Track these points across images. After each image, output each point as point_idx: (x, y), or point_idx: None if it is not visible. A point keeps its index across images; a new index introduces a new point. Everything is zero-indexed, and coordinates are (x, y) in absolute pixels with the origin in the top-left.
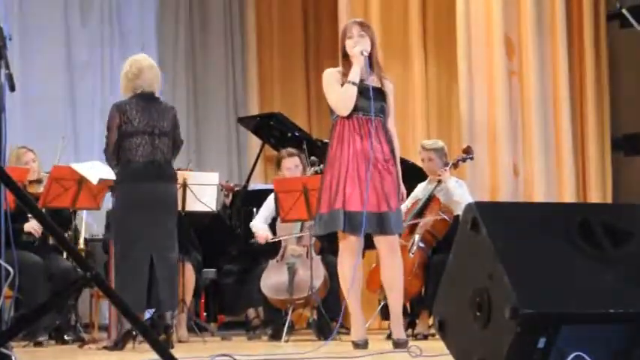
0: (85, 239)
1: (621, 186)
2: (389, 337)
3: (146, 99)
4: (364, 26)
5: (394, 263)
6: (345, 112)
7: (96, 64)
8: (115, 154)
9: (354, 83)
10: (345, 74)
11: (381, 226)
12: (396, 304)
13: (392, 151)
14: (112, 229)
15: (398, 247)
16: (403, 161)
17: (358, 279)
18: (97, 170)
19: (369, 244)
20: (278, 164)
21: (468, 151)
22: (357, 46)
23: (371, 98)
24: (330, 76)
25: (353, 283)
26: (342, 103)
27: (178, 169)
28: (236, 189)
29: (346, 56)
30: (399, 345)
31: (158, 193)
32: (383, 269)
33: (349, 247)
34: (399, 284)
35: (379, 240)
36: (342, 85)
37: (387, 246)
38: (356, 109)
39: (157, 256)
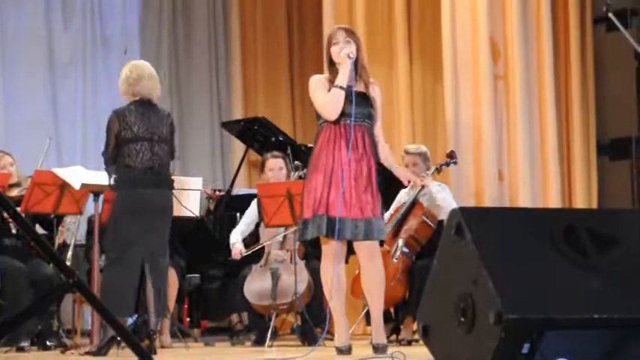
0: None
1: (606, 191)
2: None
3: (145, 105)
4: (350, 32)
5: (374, 269)
6: (333, 117)
7: (78, 67)
8: (112, 159)
9: (341, 87)
10: (331, 80)
11: (362, 233)
12: (376, 309)
13: (376, 155)
14: (108, 232)
15: (378, 253)
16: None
17: (342, 284)
18: (80, 175)
19: (352, 250)
20: (262, 167)
21: (451, 155)
22: (342, 51)
23: (354, 104)
24: (317, 81)
25: (336, 287)
26: (330, 107)
27: None
28: (220, 194)
29: (332, 63)
30: (378, 350)
31: (156, 199)
32: (363, 275)
33: (332, 252)
34: (379, 290)
35: (358, 246)
36: (329, 90)
37: (367, 252)
38: (343, 114)
39: (150, 262)
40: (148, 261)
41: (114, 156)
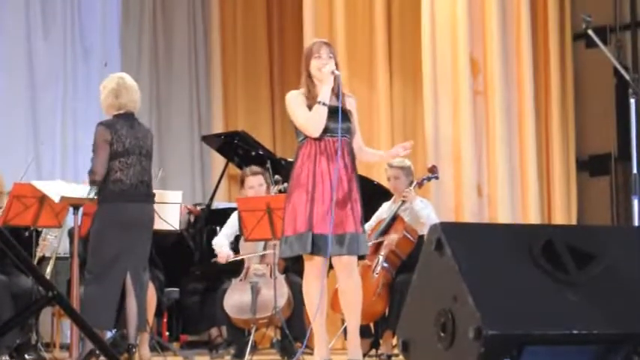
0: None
1: (586, 207)
2: None
3: (130, 119)
4: (331, 47)
5: (352, 284)
6: (316, 134)
7: (58, 80)
8: (104, 173)
9: (324, 104)
10: (309, 96)
11: (345, 248)
12: (354, 324)
13: (356, 169)
14: (91, 247)
15: (355, 268)
16: (367, 181)
17: (324, 299)
18: (59, 188)
19: (331, 264)
20: (242, 183)
21: (433, 170)
22: (326, 67)
23: (340, 120)
24: (295, 98)
25: (319, 305)
26: (313, 124)
27: None
28: (201, 209)
29: (309, 76)
30: None
31: (143, 213)
32: (340, 290)
33: (315, 269)
34: (357, 305)
35: (338, 260)
36: (307, 106)
37: (345, 267)
38: (325, 130)
39: (133, 276)
40: (131, 275)
41: (105, 166)
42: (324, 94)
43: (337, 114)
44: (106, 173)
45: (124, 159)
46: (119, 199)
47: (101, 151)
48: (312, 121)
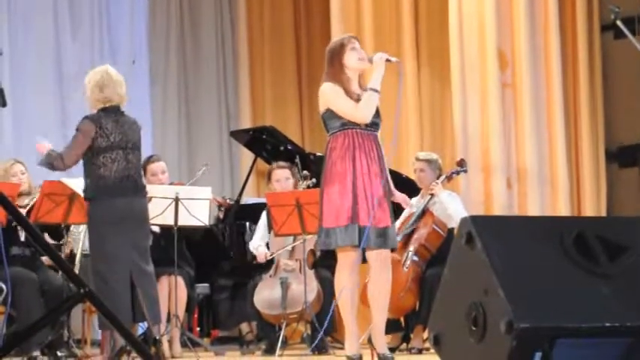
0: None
1: (616, 198)
2: None
3: (116, 112)
4: (359, 41)
5: (384, 279)
6: (367, 120)
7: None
8: (74, 161)
9: (376, 90)
10: (343, 87)
11: (381, 241)
12: (382, 319)
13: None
14: (92, 245)
15: (390, 262)
16: (397, 175)
17: (355, 293)
18: None
19: (363, 258)
20: (268, 178)
21: (461, 164)
22: (378, 54)
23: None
24: (333, 88)
25: (354, 300)
26: (366, 110)
27: (171, 183)
28: (231, 203)
29: (341, 68)
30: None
31: (133, 208)
32: (374, 285)
33: (349, 262)
34: (385, 300)
35: (373, 254)
36: (347, 94)
37: (381, 261)
38: (356, 123)
39: (137, 272)
40: (135, 272)
41: (77, 160)
42: (376, 80)
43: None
44: (89, 170)
45: (108, 154)
46: (104, 196)
47: (78, 141)
48: (363, 107)
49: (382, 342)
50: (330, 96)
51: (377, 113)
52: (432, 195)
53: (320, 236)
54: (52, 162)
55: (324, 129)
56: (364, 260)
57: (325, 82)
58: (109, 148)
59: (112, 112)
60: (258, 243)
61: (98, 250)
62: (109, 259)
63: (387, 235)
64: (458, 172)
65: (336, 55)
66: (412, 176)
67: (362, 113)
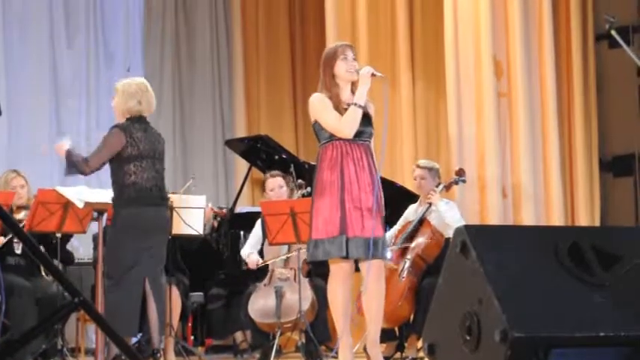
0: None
1: (610, 208)
2: None
3: (144, 122)
4: (354, 50)
5: (378, 289)
6: (351, 135)
7: (82, 87)
8: (97, 168)
9: (360, 106)
10: (332, 96)
11: (373, 251)
12: (376, 329)
13: (378, 173)
14: (109, 250)
15: (383, 271)
16: (390, 184)
17: (348, 303)
18: (83, 194)
19: (356, 268)
20: (263, 188)
21: (460, 173)
22: (365, 68)
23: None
24: (321, 100)
25: (347, 310)
26: (349, 125)
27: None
28: (225, 211)
29: (333, 77)
30: None
31: (159, 217)
32: (367, 295)
33: (342, 272)
34: (380, 309)
35: (366, 265)
36: (335, 107)
37: (374, 271)
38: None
39: (152, 281)
40: (149, 279)
41: (101, 166)
42: (361, 95)
43: (363, 118)
44: (118, 177)
45: (139, 162)
46: (135, 204)
47: (106, 149)
48: (346, 122)
49: (377, 351)
50: (317, 108)
51: (368, 122)
52: (430, 204)
53: (309, 248)
54: (79, 168)
55: (315, 138)
56: (357, 269)
57: (315, 93)
58: (139, 157)
59: (140, 121)
60: (250, 250)
61: (116, 256)
62: (125, 267)
63: (379, 245)
64: (457, 182)
65: (328, 64)
66: (407, 186)
67: (344, 128)
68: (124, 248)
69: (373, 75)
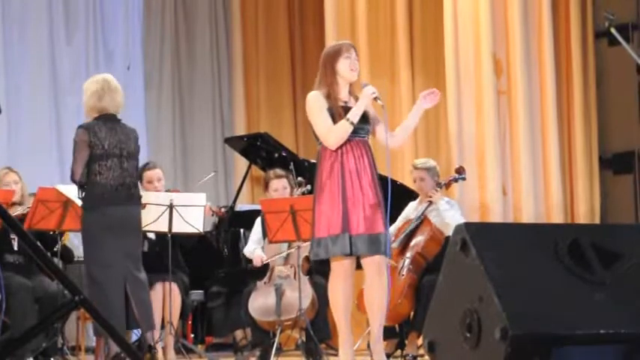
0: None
1: (610, 205)
2: None
3: (112, 120)
4: (356, 50)
5: (380, 285)
6: (334, 147)
7: (81, 84)
8: (85, 175)
9: (352, 123)
10: (329, 96)
11: (374, 247)
12: (378, 325)
13: (377, 169)
14: (85, 250)
15: (385, 268)
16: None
17: (349, 300)
18: None
19: (358, 265)
20: (266, 187)
21: (460, 171)
22: (370, 88)
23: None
24: (316, 101)
25: (348, 307)
26: (335, 138)
27: (167, 190)
28: (225, 211)
29: (333, 75)
30: None
31: (128, 216)
32: (369, 291)
33: (343, 270)
34: (383, 307)
35: (368, 261)
36: (328, 108)
37: (376, 267)
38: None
39: (130, 279)
40: (127, 278)
41: (84, 169)
42: (356, 113)
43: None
44: (86, 176)
45: (104, 162)
46: (100, 203)
47: (79, 153)
48: (334, 135)
49: (379, 348)
50: (311, 110)
51: (366, 119)
52: (430, 202)
53: (312, 246)
54: (74, 182)
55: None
56: (359, 267)
57: (312, 91)
58: (104, 156)
59: (107, 119)
60: (254, 247)
61: (92, 256)
62: (103, 266)
63: (381, 242)
64: (457, 180)
65: (330, 60)
66: (406, 183)
67: (330, 139)
68: (97, 248)
69: (375, 98)
